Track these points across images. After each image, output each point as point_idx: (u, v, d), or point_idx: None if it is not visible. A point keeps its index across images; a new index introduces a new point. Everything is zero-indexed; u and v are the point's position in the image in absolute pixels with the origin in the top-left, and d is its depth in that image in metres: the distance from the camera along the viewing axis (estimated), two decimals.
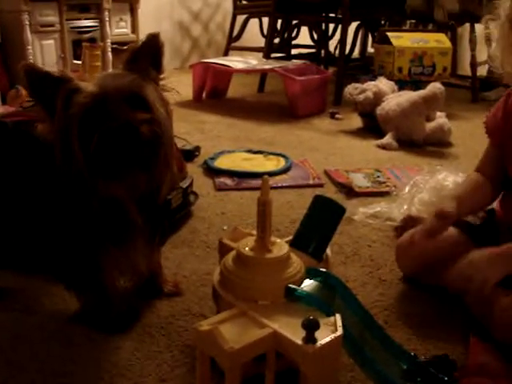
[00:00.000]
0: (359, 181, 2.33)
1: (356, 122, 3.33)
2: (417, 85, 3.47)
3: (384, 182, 2.33)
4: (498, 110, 1.50)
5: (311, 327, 0.99)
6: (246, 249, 1.14)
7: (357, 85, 3.21)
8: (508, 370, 1.16)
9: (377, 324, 1.22)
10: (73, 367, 1.23)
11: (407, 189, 2.04)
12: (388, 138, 2.91)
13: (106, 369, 1.23)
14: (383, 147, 2.88)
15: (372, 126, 3.13)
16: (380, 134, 3.00)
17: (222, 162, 2.51)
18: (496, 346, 1.25)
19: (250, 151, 2.68)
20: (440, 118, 2.99)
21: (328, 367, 1.03)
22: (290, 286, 1.11)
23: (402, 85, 3.40)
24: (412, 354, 1.20)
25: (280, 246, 1.15)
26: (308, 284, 1.15)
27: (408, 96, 2.97)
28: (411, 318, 1.43)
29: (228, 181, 2.30)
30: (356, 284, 1.59)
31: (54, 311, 1.43)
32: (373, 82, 3.21)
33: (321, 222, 1.29)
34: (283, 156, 2.60)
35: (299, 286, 1.14)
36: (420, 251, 1.51)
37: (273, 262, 1.12)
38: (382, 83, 3.19)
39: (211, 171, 2.43)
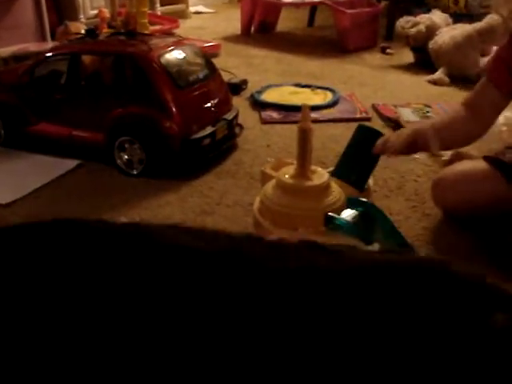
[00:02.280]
0: (407, 115, 2.28)
1: (407, 56, 3.23)
2: (474, 18, 3.34)
3: (433, 118, 2.27)
4: (501, 63, 1.41)
5: None
6: (286, 177, 1.14)
7: (409, 18, 3.11)
8: None
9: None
10: None
11: None
12: (440, 73, 2.82)
13: None
14: (434, 82, 2.80)
15: (424, 61, 3.04)
16: (432, 70, 2.91)
17: (269, 96, 2.48)
18: None
19: (297, 85, 2.64)
20: None
21: None
22: (330, 214, 1.10)
23: (457, 18, 3.27)
24: None
25: (320, 175, 1.14)
26: (348, 213, 1.14)
27: (462, 29, 2.86)
28: (453, 253, 1.42)
29: (274, 114, 2.28)
30: (399, 217, 1.57)
31: None
32: (426, 15, 3.09)
33: (363, 152, 1.27)
34: (331, 90, 2.55)
35: (339, 214, 1.13)
36: (451, 186, 1.49)
37: (312, 189, 1.11)
38: (436, 16, 3.08)
39: (258, 104, 2.41)
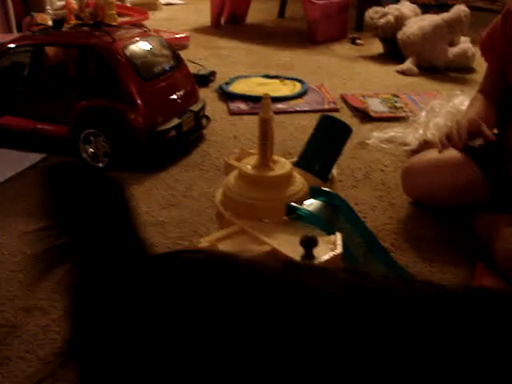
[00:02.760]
0: (376, 106, 2.28)
1: (377, 47, 3.24)
2: (442, 8, 3.34)
3: (401, 107, 2.28)
4: (494, 32, 1.43)
5: (309, 244, 0.98)
6: (248, 167, 1.13)
7: (378, 8, 3.11)
8: None
9: (381, 246, 1.21)
10: None
11: (423, 114, 2.00)
12: (408, 64, 2.83)
13: None
14: (403, 73, 2.81)
15: (393, 52, 3.05)
16: (401, 60, 2.92)
17: (237, 87, 2.47)
18: (500, 275, 1.24)
19: (266, 76, 2.64)
20: (464, 43, 2.90)
21: None
22: (292, 204, 1.10)
23: (426, 8, 3.29)
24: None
25: (282, 165, 1.13)
26: (311, 203, 1.14)
27: (431, 19, 2.87)
28: (419, 242, 1.43)
29: (242, 105, 2.27)
30: (365, 207, 1.57)
31: None
32: (395, 6, 3.10)
33: (326, 142, 1.26)
34: (299, 81, 2.55)
35: (302, 204, 1.12)
36: (423, 174, 1.50)
37: (273, 179, 1.10)
38: (405, 6, 3.09)
39: (226, 96, 2.39)
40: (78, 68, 1.80)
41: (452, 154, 1.48)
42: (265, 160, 1.12)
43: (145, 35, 1.90)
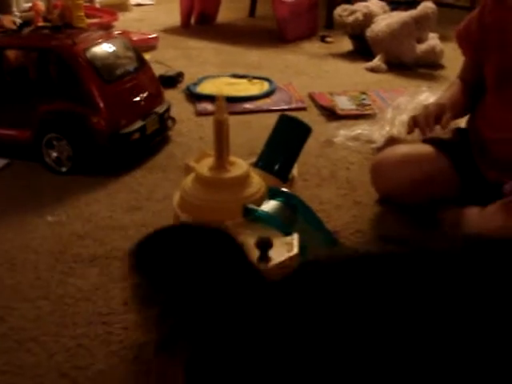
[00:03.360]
0: (343, 103, 2.28)
1: (347, 45, 3.24)
2: (410, 5, 3.35)
3: (369, 105, 2.28)
4: (471, 23, 1.44)
5: (263, 246, 0.97)
6: (205, 169, 1.12)
7: (346, 6, 3.11)
8: None
9: (341, 246, 1.20)
10: (39, 292, 1.23)
11: (390, 111, 2.00)
12: (377, 61, 2.84)
13: (70, 294, 1.23)
14: (372, 70, 2.81)
15: (362, 49, 3.05)
16: (370, 57, 2.92)
17: (205, 88, 2.46)
18: None
19: (234, 76, 2.62)
20: (432, 40, 2.91)
21: None
22: (249, 205, 1.09)
23: (394, 5, 3.29)
24: None
25: (239, 166, 1.13)
26: (268, 204, 1.13)
27: (399, 16, 2.87)
28: (383, 240, 1.42)
29: (209, 106, 2.25)
30: (330, 206, 1.57)
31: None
32: (363, 3, 3.10)
33: (285, 142, 1.26)
34: (267, 80, 2.54)
35: (260, 205, 1.12)
36: (393, 168, 1.50)
37: (229, 181, 1.10)
38: (373, 4, 3.09)
39: (193, 97, 2.38)
40: (39, 71, 1.77)
41: (421, 147, 1.48)
42: (221, 161, 1.11)
43: (107, 37, 1.88)
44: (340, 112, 2.18)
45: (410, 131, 1.45)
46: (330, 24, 3.63)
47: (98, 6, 3.90)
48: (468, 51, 1.50)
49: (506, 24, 1.37)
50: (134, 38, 3.01)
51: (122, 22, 3.65)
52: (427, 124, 1.43)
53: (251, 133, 2.03)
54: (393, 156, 1.53)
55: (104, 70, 1.74)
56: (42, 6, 3.20)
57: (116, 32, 2.69)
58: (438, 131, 1.46)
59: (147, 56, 2.76)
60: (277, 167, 1.23)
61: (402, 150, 1.53)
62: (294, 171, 1.29)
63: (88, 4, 3.65)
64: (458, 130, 1.56)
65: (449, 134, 1.51)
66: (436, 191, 1.46)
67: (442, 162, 1.45)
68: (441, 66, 2.87)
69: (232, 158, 1.14)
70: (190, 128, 2.08)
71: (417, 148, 1.50)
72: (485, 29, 1.42)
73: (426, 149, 1.48)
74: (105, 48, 1.81)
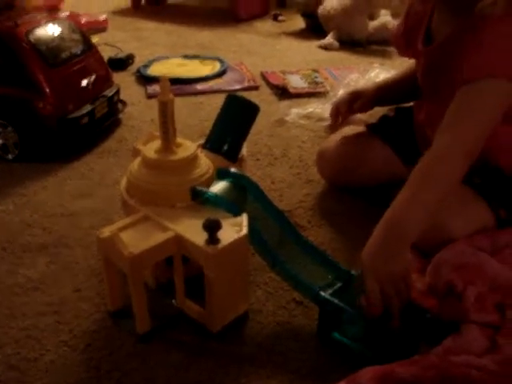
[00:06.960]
0: (295, 82, 2.27)
1: (299, 23, 3.23)
2: None
3: (321, 83, 2.27)
4: (401, 24, 1.41)
5: (212, 228, 0.96)
6: (150, 151, 1.10)
7: None
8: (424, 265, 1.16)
9: (292, 227, 1.17)
10: None
11: (340, 88, 1.99)
12: (329, 38, 2.83)
13: (19, 284, 1.20)
14: (325, 48, 2.81)
15: (315, 27, 3.04)
16: (323, 35, 2.92)
17: (156, 69, 2.42)
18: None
19: (185, 57, 2.59)
20: (384, 16, 2.91)
21: (234, 269, 1.02)
22: (196, 187, 1.07)
23: None
24: (338, 263, 1.12)
25: (186, 148, 1.11)
26: (217, 185, 1.11)
27: None
28: (336, 218, 1.42)
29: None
30: (282, 185, 1.56)
31: None
32: None
33: (234, 122, 1.24)
34: (219, 60, 2.52)
35: (208, 187, 1.10)
36: (335, 156, 1.49)
37: (176, 163, 1.07)
38: None
39: (144, 79, 2.34)
40: None
41: (358, 133, 1.48)
42: (167, 143, 1.09)
43: (52, 20, 1.82)
44: (292, 90, 2.17)
45: (332, 121, 1.46)
46: (283, 2, 3.61)
47: None
48: (403, 54, 1.47)
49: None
50: (83, 21, 2.95)
51: (70, 3, 3.55)
52: (336, 113, 1.43)
53: (203, 114, 2.01)
54: (333, 143, 1.52)
55: (49, 53, 1.69)
56: None
57: (63, 14, 2.63)
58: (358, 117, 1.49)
59: (96, 38, 2.72)
60: (225, 148, 1.21)
61: (340, 135, 1.52)
62: (244, 151, 1.27)
63: None
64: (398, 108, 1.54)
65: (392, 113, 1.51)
66: (381, 176, 1.45)
67: (380, 148, 1.45)
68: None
69: (179, 140, 1.12)
70: (141, 111, 2.05)
71: (353, 134, 1.50)
72: (407, 33, 1.39)
73: (363, 135, 1.48)
74: (49, 30, 1.75)
